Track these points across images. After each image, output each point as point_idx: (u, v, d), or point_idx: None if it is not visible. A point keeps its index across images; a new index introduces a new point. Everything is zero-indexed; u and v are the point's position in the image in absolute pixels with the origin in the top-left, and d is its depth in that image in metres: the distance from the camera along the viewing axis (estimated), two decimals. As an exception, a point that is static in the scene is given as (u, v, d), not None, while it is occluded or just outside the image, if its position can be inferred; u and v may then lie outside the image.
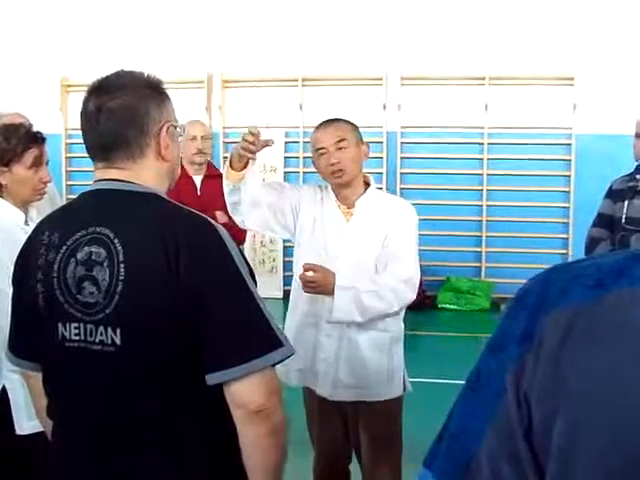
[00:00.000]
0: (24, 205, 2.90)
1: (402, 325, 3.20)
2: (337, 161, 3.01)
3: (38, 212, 2.96)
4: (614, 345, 0.78)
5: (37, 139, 2.87)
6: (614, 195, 4.16)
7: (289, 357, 1.73)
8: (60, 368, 1.80)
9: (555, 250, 9.31)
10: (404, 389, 3.19)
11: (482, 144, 9.56)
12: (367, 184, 3.17)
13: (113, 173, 1.79)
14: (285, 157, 9.99)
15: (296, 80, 9.80)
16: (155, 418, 1.72)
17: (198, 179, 4.95)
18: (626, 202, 4.04)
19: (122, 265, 1.66)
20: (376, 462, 3.17)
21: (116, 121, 1.75)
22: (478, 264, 9.75)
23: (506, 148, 9.48)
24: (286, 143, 9.98)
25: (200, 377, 1.67)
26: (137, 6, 9.94)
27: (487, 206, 9.61)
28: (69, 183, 10.24)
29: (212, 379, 1.66)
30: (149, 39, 9.84)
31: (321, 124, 3.13)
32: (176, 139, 1.88)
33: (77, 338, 1.72)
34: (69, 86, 10.29)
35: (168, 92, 1.88)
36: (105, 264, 1.67)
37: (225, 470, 1.80)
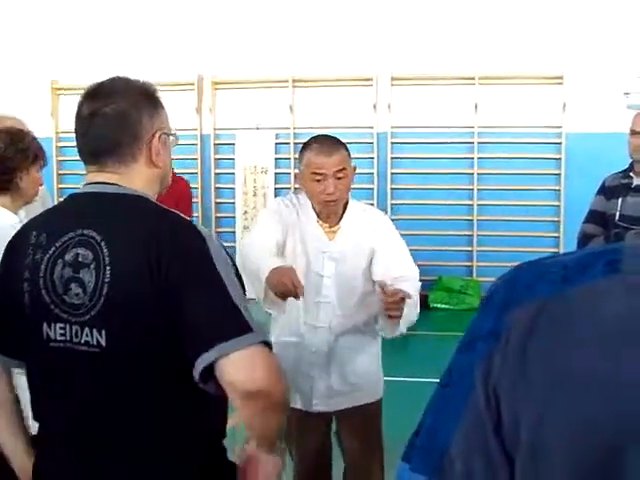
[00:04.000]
0: (20, 207, 2.97)
1: None
2: (334, 191, 2.91)
3: (27, 214, 2.99)
4: (579, 337, 0.80)
5: (39, 144, 2.98)
6: (607, 192, 4.18)
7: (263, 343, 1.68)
8: (45, 368, 1.81)
9: (546, 248, 9.34)
10: None
11: (472, 144, 9.59)
12: None
13: (104, 177, 1.81)
14: (276, 158, 10.01)
15: (286, 81, 9.81)
16: (140, 419, 1.73)
17: None
18: (620, 199, 4.06)
19: (108, 268, 1.67)
20: (365, 462, 3.20)
21: (109, 126, 1.77)
22: (469, 263, 9.78)
23: (496, 147, 9.51)
24: (277, 144, 9.99)
25: (185, 377, 1.67)
26: (127, 9, 9.93)
27: (478, 205, 9.64)
28: (60, 186, 10.23)
29: (194, 372, 1.64)
30: (139, 41, 9.84)
31: (321, 147, 2.96)
32: (168, 146, 1.89)
33: (62, 339, 1.73)
34: (59, 89, 10.30)
35: (159, 94, 1.89)
36: (92, 266, 1.69)
37: (213, 468, 1.82)
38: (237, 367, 1.62)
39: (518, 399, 0.82)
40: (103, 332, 1.68)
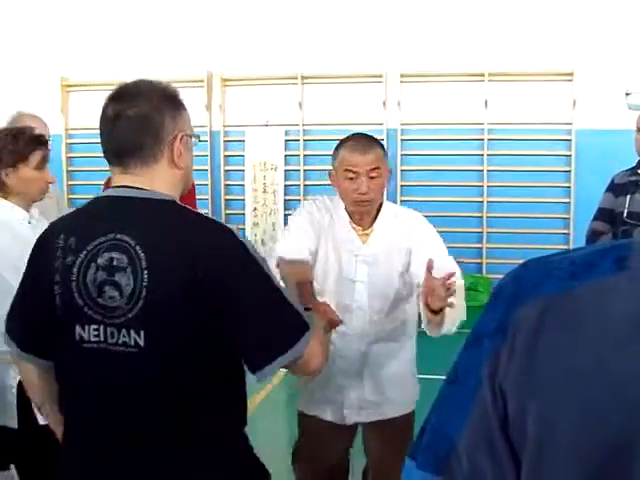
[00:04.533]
0: (28, 204, 3.02)
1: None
2: (367, 191, 2.81)
3: (42, 212, 3.08)
4: (586, 334, 0.80)
5: (42, 141, 3.00)
6: (616, 189, 4.17)
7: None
8: (77, 368, 1.86)
9: (556, 245, 9.30)
10: None
11: (482, 140, 9.57)
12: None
13: (129, 179, 1.87)
14: (285, 155, 9.99)
15: (296, 78, 9.81)
16: (174, 416, 1.81)
17: None
18: (628, 197, 4.05)
19: (145, 271, 1.74)
20: (390, 468, 2.96)
21: (132, 128, 1.83)
22: (479, 260, 9.76)
23: (506, 144, 9.49)
24: (286, 141, 9.98)
25: (216, 372, 1.82)
26: (137, 5, 9.95)
27: (487, 202, 9.63)
28: (70, 183, 10.25)
29: (257, 378, 1.82)
30: (148, 38, 9.85)
31: (356, 144, 2.86)
32: (190, 148, 1.96)
33: (96, 339, 1.79)
34: (69, 86, 10.31)
35: (181, 96, 1.96)
36: (128, 270, 1.75)
37: (239, 456, 1.96)
38: (297, 367, 1.87)
39: (525, 396, 0.82)
40: (142, 333, 1.75)
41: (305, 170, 9.81)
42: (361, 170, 2.79)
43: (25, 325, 1.98)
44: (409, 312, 3.00)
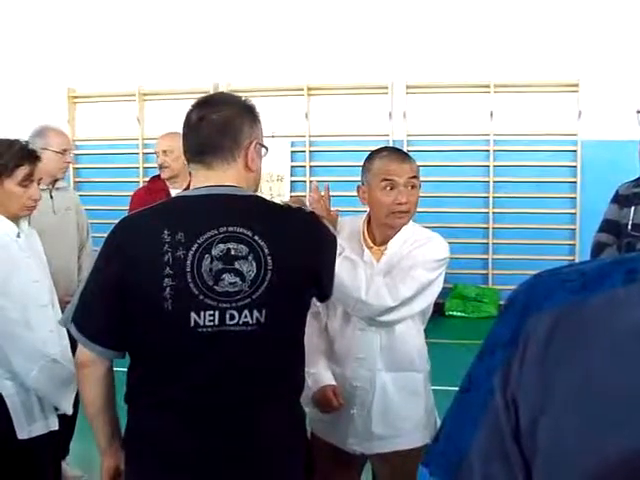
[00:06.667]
0: (14, 218, 2.94)
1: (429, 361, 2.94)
2: (406, 201, 2.69)
3: (59, 223, 3.02)
4: (597, 346, 0.79)
5: (30, 157, 2.92)
6: (620, 200, 4.15)
7: None
8: (190, 352, 2.02)
9: (562, 256, 9.31)
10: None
11: (488, 151, 9.57)
12: None
13: (214, 177, 2.08)
14: (292, 166, 10.02)
15: (302, 89, 9.84)
16: (282, 376, 2.13)
17: (175, 192, 4.55)
18: (632, 208, 4.02)
19: (269, 257, 2.00)
20: None
21: (214, 129, 2.06)
22: (485, 271, 9.75)
23: (512, 155, 9.49)
24: (292, 152, 10.00)
25: (302, 340, 2.20)
26: (143, 17, 9.98)
27: (493, 213, 9.62)
28: (78, 194, 10.24)
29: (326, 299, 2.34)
30: (155, 50, 9.88)
31: (392, 154, 2.78)
32: (261, 155, 2.17)
33: (211, 324, 1.99)
34: (76, 97, 10.34)
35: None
36: (250, 257, 1.99)
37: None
38: None
39: (535, 407, 0.82)
40: (263, 311, 2.01)
41: (311, 181, 9.80)
42: (400, 179, 2.69)
43: (110, 323, 2.05)
44: (418, 339, 2.85)
